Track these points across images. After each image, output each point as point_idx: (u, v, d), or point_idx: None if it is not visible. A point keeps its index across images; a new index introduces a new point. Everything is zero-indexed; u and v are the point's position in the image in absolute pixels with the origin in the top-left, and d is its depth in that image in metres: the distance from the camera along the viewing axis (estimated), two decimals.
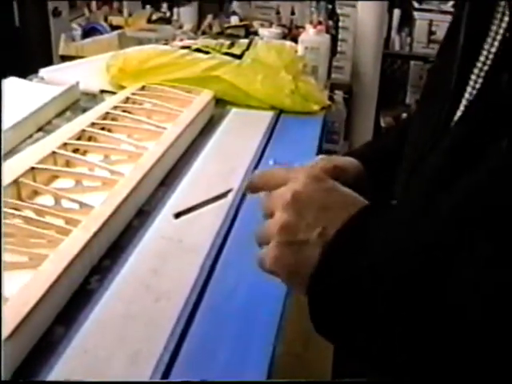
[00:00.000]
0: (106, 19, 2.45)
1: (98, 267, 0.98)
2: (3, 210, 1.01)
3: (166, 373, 0.81)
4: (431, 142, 0.60)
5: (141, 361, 0.81)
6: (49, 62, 3.43)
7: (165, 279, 0.96)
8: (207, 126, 1.58)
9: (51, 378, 0.78)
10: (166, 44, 1.93)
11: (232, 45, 1.85)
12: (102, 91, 1.80)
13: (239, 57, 1.78)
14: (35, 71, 1.94)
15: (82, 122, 1.38)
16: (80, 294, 0.93)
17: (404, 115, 3.48)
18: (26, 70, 2.34)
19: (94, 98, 1.77)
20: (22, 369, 0.79)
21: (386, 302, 0.46)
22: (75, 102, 1.72)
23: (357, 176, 0.75)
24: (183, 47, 1.83)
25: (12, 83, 1.79)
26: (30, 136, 1.48)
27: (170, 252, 1.02)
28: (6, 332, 0.76)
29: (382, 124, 3.57)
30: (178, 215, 1.12)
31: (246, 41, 1.92)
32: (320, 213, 0.50)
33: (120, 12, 2.56)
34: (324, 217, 0.50)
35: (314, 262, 0.49)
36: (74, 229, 0.97)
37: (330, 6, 2.66)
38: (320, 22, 2.15)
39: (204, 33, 2.38)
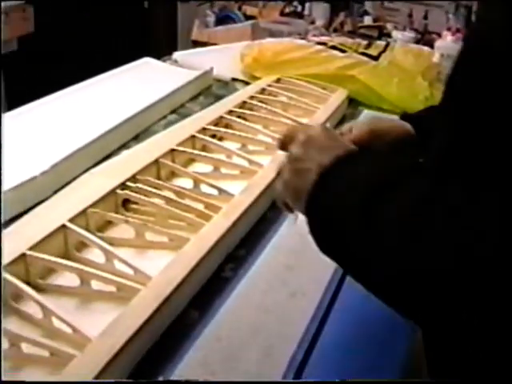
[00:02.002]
0: (240, 8, 2.46)
1: (232, 255, 0.98)
2: (145, 188, 1.03)
3: (299, 371, 0.80)
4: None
5: (274, 356, 0.81)
6: (173, 44, 3.51)
7: (299, 275, 0.95)
8: (338, 126, 1.56)
9: (186, 361, 0.78)
10: (302, 38, 1.91)
11: (369, 45, 1.82)
12: (234, 79, 1.81)
13: (376, 58, 1.75)
14: (159, 52, 1.98)
15: (219, 108, 1.38)
16: (215, 281, 0.93)
17: None
18: (151, 50, 2.39)
19: (225, 85, 1.79)
20: (159, 346, 0.80)
21: (368, 214, 0.53)
22: (208, 88, 1.73)
23: (401, 138, 0.86)
24: (319, 43, 1.81)
25: (147, 63, 1.82)
26: (164, 117, 1.51)
27: (305, 249, 1.00)
28: (148, 311, 0.77)
29: None
30: None
31: (382, 42, 1.88)
32: (322, 151, 0.61)
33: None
34: (324, 153, 0.60)
35: (312, 184, 0.59)
36: (215, 215, 0.97)
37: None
38: (458, 30, 2.09)
39: (336, 30, 2.35)
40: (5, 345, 0.73)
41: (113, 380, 0.70)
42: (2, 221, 0.98)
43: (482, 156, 0.55)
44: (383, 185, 0.54)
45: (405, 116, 0.91)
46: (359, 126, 0.86)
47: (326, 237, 0.59)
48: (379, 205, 0.53)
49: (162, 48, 3.18)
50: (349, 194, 0.55)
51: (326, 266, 0.98)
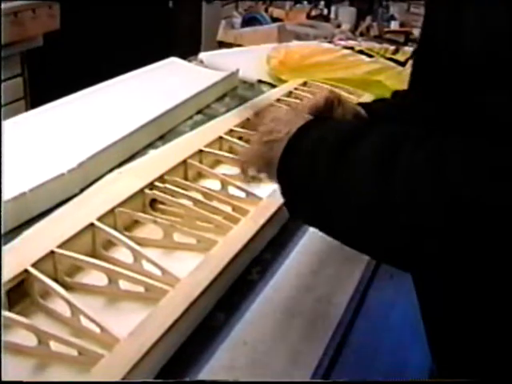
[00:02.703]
0: (266, 10, 2.46)
1: (258, 259, 0.97)
2: (172, 188, 1.03)
3: (326, 377, 0.79)
4: None
5: (301, 362, 0.80)
6: (197, 45, 3.52)
7: (325, 281, 0.95)
8: None
9: (212, 363, 0.78)
10: (329, 42, 1.91)
11: (396, 51, 1.81)
12: (260, 81, 1.81)
13: (403, 64, 1.74)
14: (183, 52, 1.98)
15: (246, 110, 1.38)
16: (241, 284, 0.92)
17: None
18: (175, 50, 2.40)
19: (251, 87, 1.79)
20: (184, 349, 0.79)
21: (338, 163, 0.57)
22: (233, 89, 1.73)
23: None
24: (346, 47, 1.80)
25: (173, 63, 1.83)
26: (190, 117, 1.51)
27: (331, 256, 1.00)
28: (176, 313, 0.76)
29: None
30: None
31: (410, 48, 1.87)
32: (289, 123, 0.66)
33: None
34: (292, 125, 0.65)
35: (282, 149, 0.63)
36: (242, 218, 0.96)
37: None
38: None
39: (362, 34, 2.34)
40: (32, 342, 0.73)
41: (141, 380, 0.70)
42: (31, 216, 0.99)
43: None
44: (349, 136, 0.58)
45: (361, 104, 0.92)
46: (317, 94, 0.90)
47: (298, 196, 0.63)
48: (347, 151, 0.57)
49: (186, 48, 3.19)
50: (317, 150, 0.60)
51: (352, 272, 0.97)
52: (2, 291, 0.76)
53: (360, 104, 0.91)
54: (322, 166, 0.59)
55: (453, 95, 0.60)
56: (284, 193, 0.65)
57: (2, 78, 2.38)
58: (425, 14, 0.69)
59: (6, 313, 0.76)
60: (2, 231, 0.94)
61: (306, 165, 0.61)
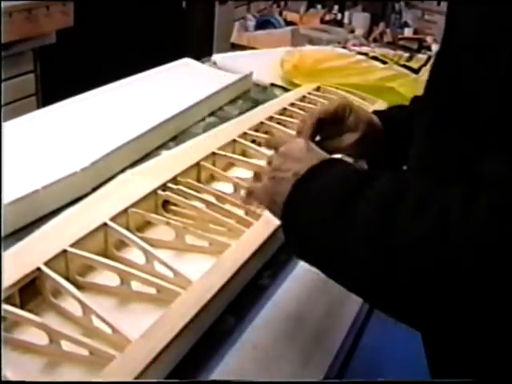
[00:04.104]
0: (280, 13, 2.46)
1: (270, 262, 0.97)
2: (185, 189, 1.02)
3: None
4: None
5: (311, 366, 0.80)
6: (209, 46, 3.52)
7: (337, 286, 0.94)
8: None
9: (221, 367, 0.78)
10: (343, 47, 1.90)
11: (410, 58, 1.81)
12: (273, 85, 1.81)
13: (416, 71, 1.73)
14: (195, 53, 1.98)
15: (259, 113, 1.38)
16: (252, 288, 0.92)
17: None
18: (187, 50, 2.40)
19: (264, 90, 1.78)
20: (195, 351, 0.79)
21: (342, 212, 0.57)
22: (246, 92, 1.73)
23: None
24: (360, 53, 1.80)
25: (186, 64, 1.83)
26: (203, 119, 1.50)
27: None
28: (188, 316, 0.76)
29: None
30: None
31: (424, 56, 1.87)
32: (298, 161, 0.66)
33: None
34: (300, 163, 0.65)
35: (288, 192, 0.63)
36: (255, 222, 0.96)
37: None
38: None
39: (375, 40, 2.34)
40: (43, 340, 0.73)
41: (155, 380, 0.70)
42: (43, 214, 0.99)
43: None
44: (353, 186, 0.58)
45: (376, 112, 0.92)
46: (330, 101, 0.90)
47: (301, 240, 0.63)
48: (351, 203, 0.56)
49: (198, 48, 3.19)
50: (322, 198, 0.60)
51: None
52: (2, 290, 0.76)
53: (375, 112, 0.91)
54: (325, 216, 0.59)
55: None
56: (286, 234, 0.65)
57: (14, 74, 2.38)
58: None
59: (17, 310, 0.76)
60: (14, 229, 0.94)
61: (309, 212, 0.61)
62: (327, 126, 0.82)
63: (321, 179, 0.62)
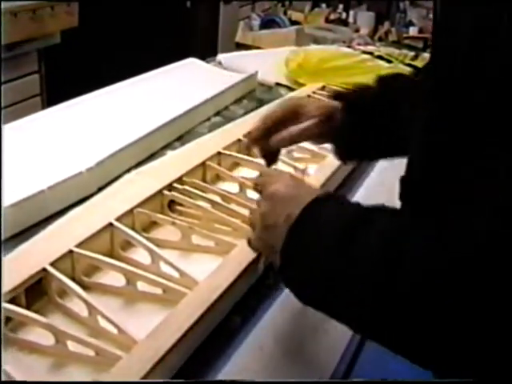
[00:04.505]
0: (285, 13, 2.46)
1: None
2: (190, 189, 1.02)
3: None
4: None
5: (317, 368, 0.80)
6: (214, 45, 3.52)
7: None
8: None
9: (228, 367, 0.78)
10: (348, 47, 1.90)
11: (416, 57, 1.80)
12: (278, 84, 1.80)
13: None
14: (200, 53, 1.98)
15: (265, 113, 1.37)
16: (257, 287, 0.92)
17: None
18: (192, 50, 2.40)
19: (269, 89, 1.78)
20: (200, 352, 0.79)
21: (342, 254, 0.55)
22: (251, 91, 1.73)
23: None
24: (365, 52, 1.80)
25: (192, 64, 1.83)
26: (208, 119, 1.50)
27: None
28: (194, 316, 0.76)
29: None
30: None
31: (429, 55, 1.86)
32: (287, 203, 0.64)
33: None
34: (290, 206, 0.63)
35: (283, 240, 0.60)
36: None
37: None
38: None
39: (380, 39, 2.34)
40: (49, 341, 0.73)
41: (161, 380, 0.70)
42: (49, 214, 0.99)
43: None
44: (350, 225, 0.56)
45: (337, 95, 0.92)
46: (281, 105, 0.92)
47: (304, 286, 0.61)
48: (350, 244, 0.55)
49: (203, 48, 3.19)
50: (318, 242, 0.58)
51: None
52: (1, 290, 0.76)
53: (338, 95, 0.92)
54: (322, 262, 0.57)
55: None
56: (289, 282, 0.64)
57: (18, 74, 2.39)
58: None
59: (23, 311, 0.76)
60: (20, 229, 0.94)
61: (306, 260, 0.59)
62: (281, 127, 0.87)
63: (315, 222, 0.60)
